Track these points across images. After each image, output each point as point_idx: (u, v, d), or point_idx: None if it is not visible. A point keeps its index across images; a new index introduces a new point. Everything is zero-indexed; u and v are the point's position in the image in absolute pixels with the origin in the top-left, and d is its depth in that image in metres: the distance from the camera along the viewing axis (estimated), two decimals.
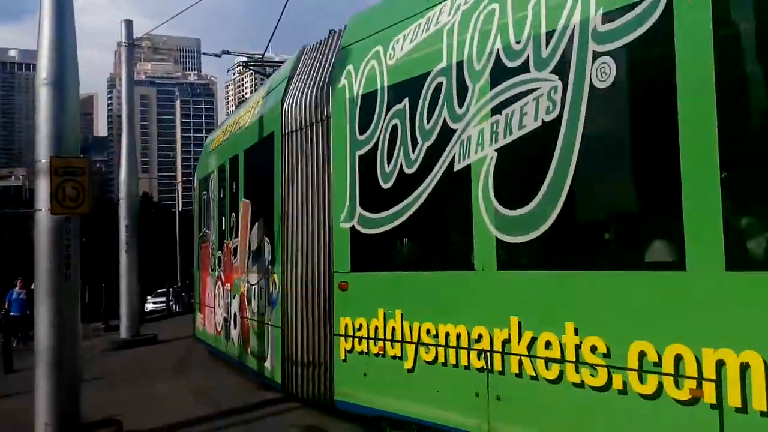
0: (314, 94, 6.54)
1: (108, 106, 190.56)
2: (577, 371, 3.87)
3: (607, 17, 3.79)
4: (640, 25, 3.62)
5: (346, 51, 6.13)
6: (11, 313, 16.34)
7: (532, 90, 4.22)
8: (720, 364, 3.20)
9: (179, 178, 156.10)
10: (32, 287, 15.19)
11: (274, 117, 7.18)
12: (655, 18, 3.54)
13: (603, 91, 3.81)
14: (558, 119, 4.05)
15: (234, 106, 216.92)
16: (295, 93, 6.88)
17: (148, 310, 33.41)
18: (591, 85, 3.86)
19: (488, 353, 4.43)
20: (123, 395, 8.34)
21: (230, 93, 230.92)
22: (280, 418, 6.62)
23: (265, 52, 15.34)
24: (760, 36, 3.21)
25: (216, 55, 14.90)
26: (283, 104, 7.03)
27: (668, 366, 3.42)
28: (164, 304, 26.93)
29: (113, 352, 13.19)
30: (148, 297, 35.89)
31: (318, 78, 6.67)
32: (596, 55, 3.83)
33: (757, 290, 3.07)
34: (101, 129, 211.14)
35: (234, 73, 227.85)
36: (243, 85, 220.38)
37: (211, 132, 11.82)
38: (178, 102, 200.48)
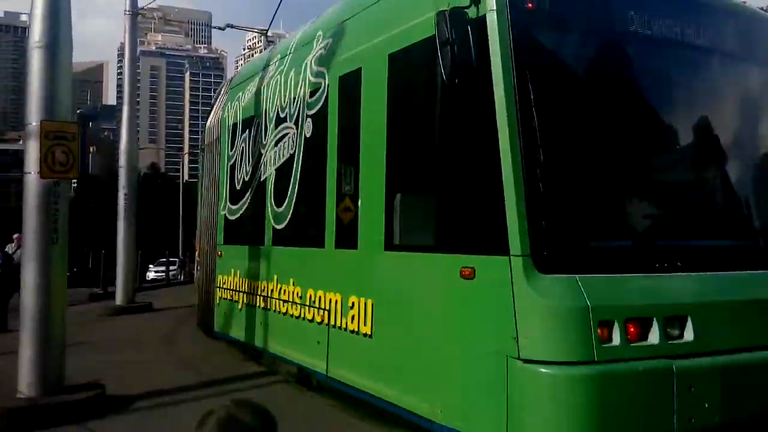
0: (215, 120, 9.59)
1: (117, 75, 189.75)
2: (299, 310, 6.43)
3: (311, 94, 6.35)
4: (319, 101, 6.20)
5: (228, 93, 9.21)
6: None
7: (287, 133, 6.86)
8: (331, 302, 5.73)
9: (186, 150, 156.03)
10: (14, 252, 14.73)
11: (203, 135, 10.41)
12: (323, 97, 6.09)
13: (309, 138, 6.41)
14: (293, 154, 6.69)
15: None
16: (211, 117, 10.01)
17: (149, 278, 33.56)
18: (304, 134, 6.47)
19: (266, 297, 7.23)
20: (110, 360, 8.37)
21: (239, 65, 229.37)
22: (257, 391, 6.64)
23: (268, 29, 15.24)
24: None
25: (220, 29, 14.75)
26: (206, 124, 10.35)
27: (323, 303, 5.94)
28: (164, 273, 26.99)
29: (107, 318, 13.24)
30: (150, 265, 35.99)
31: (218, 109, 9.63)
32: (306, 116, 6.44)
33: (368, 261, 5.22)
34: (110, 98, 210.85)
35: (244, 48, 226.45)
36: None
37: None
38: (187, 75, 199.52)
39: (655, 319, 3.71)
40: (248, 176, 7.88)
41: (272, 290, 7.06)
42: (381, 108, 5.06)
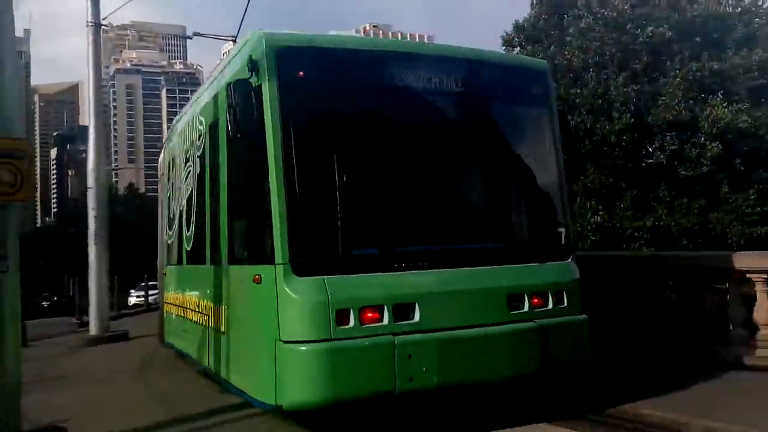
0: (161, 157, 11.52)
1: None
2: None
3: (198, 138, 7.94)
4: (200, 143, 7.80)
5: (168, 135, 11.13)
6: None
7: (189, 171, 8.31)
8: (209, 309, 7.15)
9: None
10: None
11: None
12: (202, 140, 7.61)
13: (197, 174, 7.92)
14: (192, 187, 8.26)
15: None
16: (161, 153, 11.74)
17: (131, 303, 32.83)
18: (196, 171, 7.93)
19: (183, 308, 8.74)
20: (78, 396, 7.85)
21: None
22: (230, 426, 6.16)
23: (236, 36, 14.99)
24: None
25: (188, 38, 14.30)
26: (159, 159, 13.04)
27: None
28: (139, 298, 26.34)
29: (81, 349, 12.68)
30: (132, 290, 35.31)
31: (164, 148, 11.49)
32: (196, 156, 7.98)
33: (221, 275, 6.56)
34: (87, 118, 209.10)
35: (219, 62, 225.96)
36: None
37: None
38: (164, 92, 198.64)
39: (386, 306, 5.16)
40: (175, 206, 9.48)
41: (185, 302, 8.63)
42: (221, 154, 6.67)
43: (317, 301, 5.05)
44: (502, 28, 22.76)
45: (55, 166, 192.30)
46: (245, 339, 5.95)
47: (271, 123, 5.29)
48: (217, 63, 8.68)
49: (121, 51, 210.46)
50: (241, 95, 5.32)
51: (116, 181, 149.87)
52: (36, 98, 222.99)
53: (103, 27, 13.54)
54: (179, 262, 9.12)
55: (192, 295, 8.15)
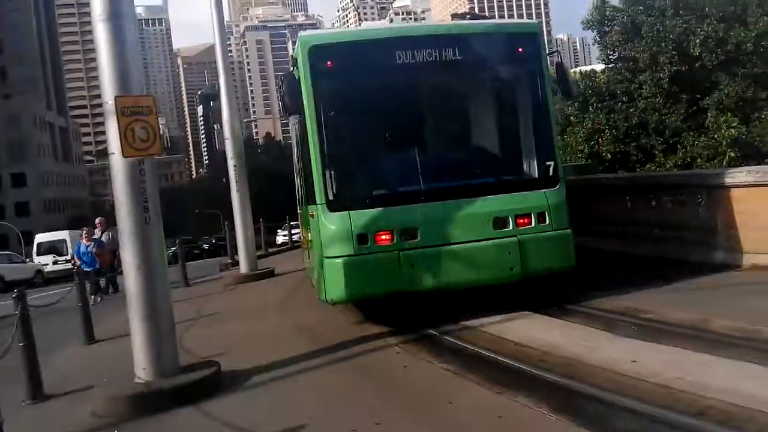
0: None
1: (228, 53, 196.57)
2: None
3: None
4: None
5: None
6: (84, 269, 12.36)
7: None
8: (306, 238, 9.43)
9: None
10: (102, 237, 14.64)
11: None
12: None
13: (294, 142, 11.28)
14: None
15: None
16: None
17: (279, 242, 34.63)
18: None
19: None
20: (229, 330, 8.26)
21: (336, 26, 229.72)
22: (379, 353, 6.14)
23: None
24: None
25: None
26: None
27: None
28: (285, 237, 27.57)
29: (232, 287, 13.43)
30: (279, 230, 37.04)
31: None
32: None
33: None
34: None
35: (338, 10, 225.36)
36: (348, 23, 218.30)
37: None
38: (290, 44, 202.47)
39: (394, 230, 6.81)
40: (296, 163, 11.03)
41: (305, 235, 9.92)
42: (297, 130, 8.72)
43: (343, 228, 6.86)
44: None
45: (203, 123, 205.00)
46: (314, 256, 7.81)
47: (307, 106, 6.98)
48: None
49: (248, 9, 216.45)
50: (290, 85, 7.09)
51: (256, 132, 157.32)
52: (179, 61, 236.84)
53: None
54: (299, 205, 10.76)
55: (304, 230, 9.98)
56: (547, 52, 7.70)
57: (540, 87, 7.43)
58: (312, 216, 7.31)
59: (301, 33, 7.38)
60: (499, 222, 6.96)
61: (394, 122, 7.37)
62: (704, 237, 8.52)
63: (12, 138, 70.25)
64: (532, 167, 7.41)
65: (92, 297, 12.39)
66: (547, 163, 7.33)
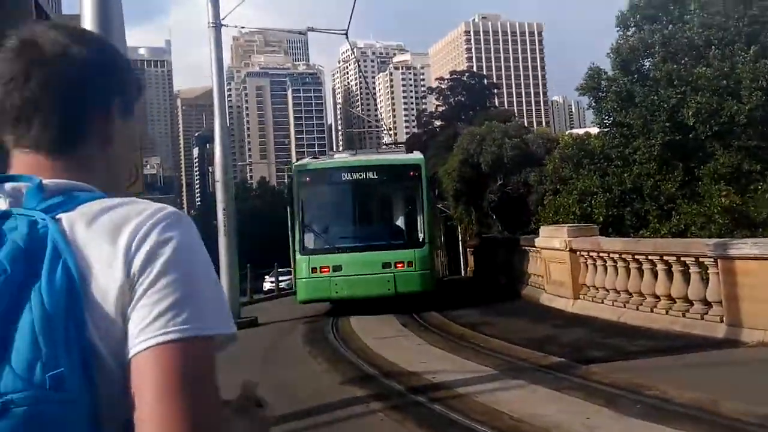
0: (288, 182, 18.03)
1: (227, 97, 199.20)
2: None
3: None
4: None
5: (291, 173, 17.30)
6: None
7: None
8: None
9: (294, 162, 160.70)
10: None
11: None
12: None
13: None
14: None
15: (340, 95, 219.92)
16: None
17: (266, 288, 34.01)
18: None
19: None
20: None
21: (336, 81, 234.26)
22: (361, 420, 5.69)
23: (347, 30, 15.26)
24: None
25: (302, 33, 14.18)
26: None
27: None
28: (273, 284, 27.06)
29: None
30: (266, 276, 36.46)
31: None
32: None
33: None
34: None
35: (339, 62, 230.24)
36: (348, 74, 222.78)
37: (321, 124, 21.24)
38: (289, 92, 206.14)
39: (330, 266, 13.01)
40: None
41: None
42: (289, 205, 14.89)
43: (305, 264, 13.13)
44: (618, 7, 21.04)
45: (197, 164, 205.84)
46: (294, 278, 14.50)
47: (295, 197, 13.72)
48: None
49: (250, 56, 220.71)
50: (289, 185, 14.62)
51: (251, 176, 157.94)
52: (179, 102, 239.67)
53: (234, 35, 13.85)
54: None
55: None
56: (426, 173, 14.43)
57: (420, 193, 13.79)
58: (294, 258, 13.75)
59: (294, 163, 16.31)
60: (385, 264, 13.03)
61: (337, 209, 14.24)
62: (707, 309, 8.22)
63: None
64: (408, 236, 13.72)
65: None
66: (418, 234, 13.63)
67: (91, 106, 0.96)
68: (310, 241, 13.35)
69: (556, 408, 5.54)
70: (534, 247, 13.89)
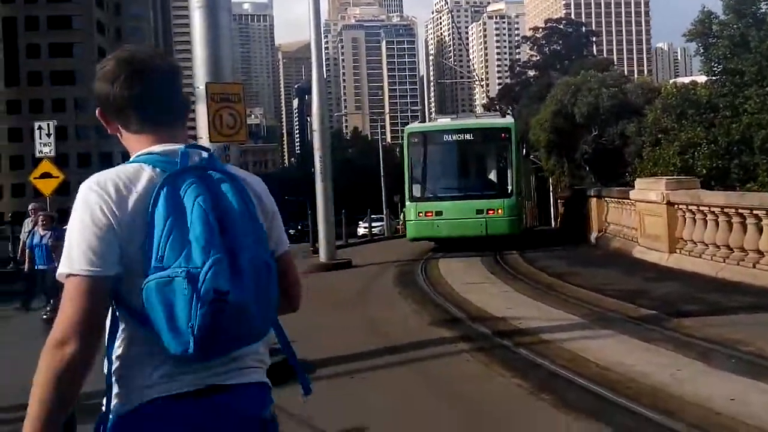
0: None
1: (324, 50, 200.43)
2: None
3: None
4: None
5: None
6: (36, 266, 9.42)
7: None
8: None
9: (387, 112, 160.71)
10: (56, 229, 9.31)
11: None
12: None
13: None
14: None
15: (433, 46, 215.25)
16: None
17: (360, 234, 34.95)
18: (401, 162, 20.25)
19: None
20: (301, 319, 8.10)
21: (429, 32, 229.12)
22: (449, 359, 5.80)
23: None
24: None
25: None
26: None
27: None
28: (367, 229, 27.63)
29: (311, 275, 13.42)
30: (360, 222, 37.32)
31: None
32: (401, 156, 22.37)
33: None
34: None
35: (432, 13, 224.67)
36: (441, 25, 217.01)
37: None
38: (383, 43, 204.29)
39: (434, 211, 15.29)
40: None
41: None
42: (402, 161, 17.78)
43: (413, 208, 15.61)
44: None
45: (297, 115, 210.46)
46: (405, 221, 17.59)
47: (406, 155, 16.25)
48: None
49: (347, 9, 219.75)
50: (402, 145, 17.92)
51: (346, 126, 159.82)
52: (279, 56, 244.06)
53: None
54: None
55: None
56: (516, 134, 16.47)
57: (510, 151, 15.77)
58: (404, 204, 17.02)
59: (408, 126, 18.21)
60: (479, 211, 15.01)
61: (440, 165, 16.34)
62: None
63: None
64: (499, 188, 15.70)
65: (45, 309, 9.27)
66: (507, 186, 15.58)
67: (178, 95, 1.53)
68: (417, 190, 15.86)
69: (644, 359, 5.38)
70: (628, 199, 13.27)
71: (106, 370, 1.40)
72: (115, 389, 1.38)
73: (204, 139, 5.35)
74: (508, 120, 17.93)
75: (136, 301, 1.34)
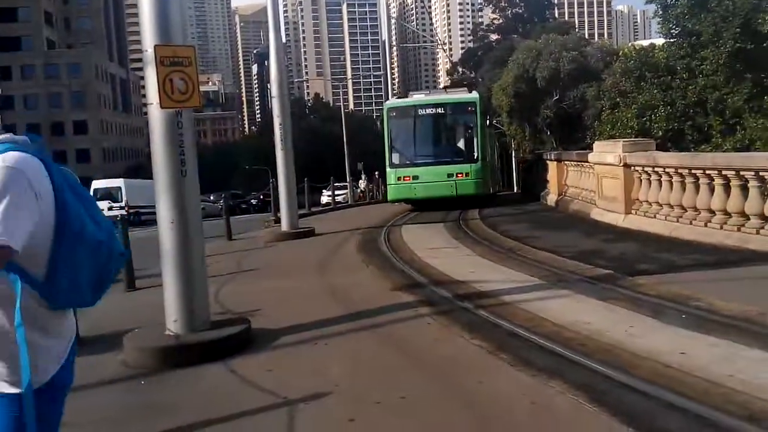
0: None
1: (284, 14, 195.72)
2: None
3: None
4: None
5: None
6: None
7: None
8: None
9: (349, 78, 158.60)
10: None
11: None
12: None
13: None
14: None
15: (395, 10, 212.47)
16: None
17: (323, 202, 34.73)
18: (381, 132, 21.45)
19: None
20: (265, 288, 8.12)
21: None
22: (410, 323, 5.88)
23: None
24: None
25: None
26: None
27: None
28: (330, 197, 27.48)
29: (273, 243, 13.36)
30: (324, 190, 37.07)
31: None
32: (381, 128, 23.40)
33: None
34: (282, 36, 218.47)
35: None
36: None
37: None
38: (344, 6, 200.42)
39: (411, 176, 17.93)
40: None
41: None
42: (382, 132, 20.07)
43: (393, 174, 18.14)
44: None
45: (257, 82, 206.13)
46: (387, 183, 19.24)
47: (386, 127, 18.69)
48: None
49: None
50: (382, 118, 19.28)
51: (308, 92, 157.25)
52: (236, 19, 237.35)
53: None
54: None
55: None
56: (481, 107, 18.76)
57: (476, 122, 18.27)
58: (385, 169, 18.78)
59: (387, 102, 20.99)
60: (449, 175, 17.64)
61: (415, 135, 18.59)
62: (763, 224, 7.92)
63: (74, 87, 71.85)
64: (466, 155, 18.13)
65: None
66: (474, 153, 18.06)
67: None
68: (396, 158, 18.39)
69: (599, 317, 5.56)
70: (587, 162, 13.51)
71: None
72: None
73: (155, 105, 5.20)
74: (474, 95, 19.85)
75: None
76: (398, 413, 3.91)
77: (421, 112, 18.59)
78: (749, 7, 16.99)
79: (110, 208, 29.72)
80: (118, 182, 32.58)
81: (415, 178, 17.76)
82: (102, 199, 31.01)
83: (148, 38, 5.16)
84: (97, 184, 33.37)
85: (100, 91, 77.20)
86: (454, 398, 4.11)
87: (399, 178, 17.96)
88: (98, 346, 5.86)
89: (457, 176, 17.65)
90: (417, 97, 20.54)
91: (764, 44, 17.06)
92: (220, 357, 5.13)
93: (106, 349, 5.59)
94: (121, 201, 30.60)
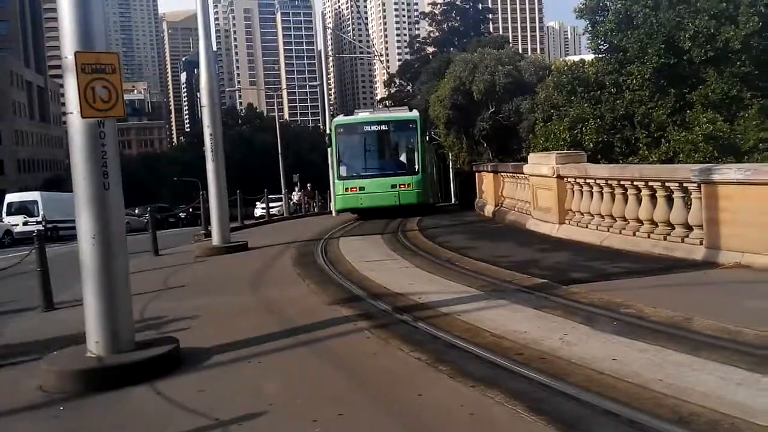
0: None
1: (215, 22, 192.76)
2: None
3: None
4: None
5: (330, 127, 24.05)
6: None
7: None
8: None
9: (284, 88, 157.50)
10: None
11: None
12: None
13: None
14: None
15: (331, 20, 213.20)
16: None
17: (257, 215, 34.17)
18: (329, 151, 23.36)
19: None
20: (192, 305, 7.89)
21: (326, 5, 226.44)
22: (349, 337, 5.85)
23: None
24: None
25: None
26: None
27: None
28: (264, 210, 27.10)
29: (202, 259, 13.03)
30: (257, 203, 36.52)
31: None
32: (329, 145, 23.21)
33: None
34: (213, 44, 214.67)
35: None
36: (339, 3, 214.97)
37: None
38: (278, 15, 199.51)
39: (358, 187, 19.73)
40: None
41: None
42: (330, 149, 22.30)
43: (341, 185, 19.91)
44: None
45: (186, 90, 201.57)
46: (333, 196, 21.22)
47: (334, 142, 20.45)
48: None
49: None
50: (330, 134, 21.02)
51: (240, 102, 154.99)
52: (164, 26, 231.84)
53: None
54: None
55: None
56: (421, 124, 20.87)
57: (417, 138, 20.24)
58: (335, 182, 20.28)
59: (335, 119, 22.04)
60: (393, 186, 19.49)
61: (361, 150, 20.48)
62: (688, 233, 8.37)
63: None
64: (408, 167, 20.06)
65: None
66: (415, 166, 20.00)
67: None
68: (344, 170, 20.07)
69: (535, 326, 5.71)
70: (522, 173, 13.93)
71: None
72: None
73: (75, 114, 4.99)
74: (415, 113, 22.09)
75: None
76: (336, 431, 3.87)
77: (366, 128, 20.55)
78: (672, 25, 18.06)
79: (26, 223, 28.30)
80: (34, 195, 31.00)
81: (362, 189, 19.55)
82: (17, 213, 29.49)
83: (68, 44, 4.95)
84: (11, 197, 31.67)
85: (15, 99, 73.57)
86: (393, 413, 4.11)
87: (346, 189, 19.72)
88: (10, 370, 5.55)
89: (400, 187, 19.58)
90: (363, 115, 22.50)
91: (685, 58, 18.16)
92: (146, 379, 4.94)
93: (21, 373, 5.29)
94: (38, 215, 29.15)
